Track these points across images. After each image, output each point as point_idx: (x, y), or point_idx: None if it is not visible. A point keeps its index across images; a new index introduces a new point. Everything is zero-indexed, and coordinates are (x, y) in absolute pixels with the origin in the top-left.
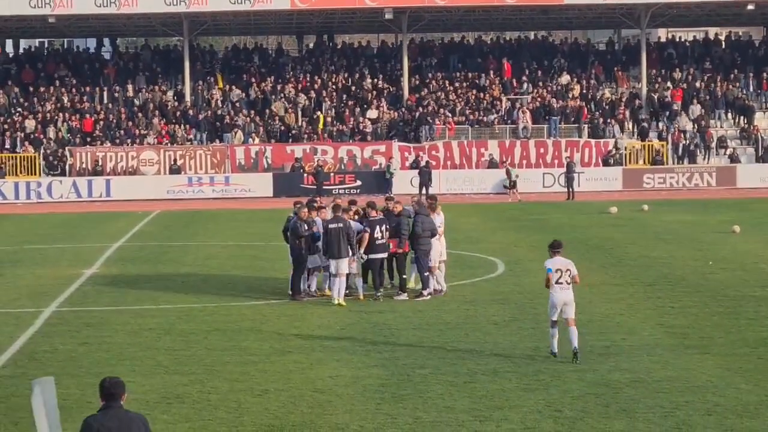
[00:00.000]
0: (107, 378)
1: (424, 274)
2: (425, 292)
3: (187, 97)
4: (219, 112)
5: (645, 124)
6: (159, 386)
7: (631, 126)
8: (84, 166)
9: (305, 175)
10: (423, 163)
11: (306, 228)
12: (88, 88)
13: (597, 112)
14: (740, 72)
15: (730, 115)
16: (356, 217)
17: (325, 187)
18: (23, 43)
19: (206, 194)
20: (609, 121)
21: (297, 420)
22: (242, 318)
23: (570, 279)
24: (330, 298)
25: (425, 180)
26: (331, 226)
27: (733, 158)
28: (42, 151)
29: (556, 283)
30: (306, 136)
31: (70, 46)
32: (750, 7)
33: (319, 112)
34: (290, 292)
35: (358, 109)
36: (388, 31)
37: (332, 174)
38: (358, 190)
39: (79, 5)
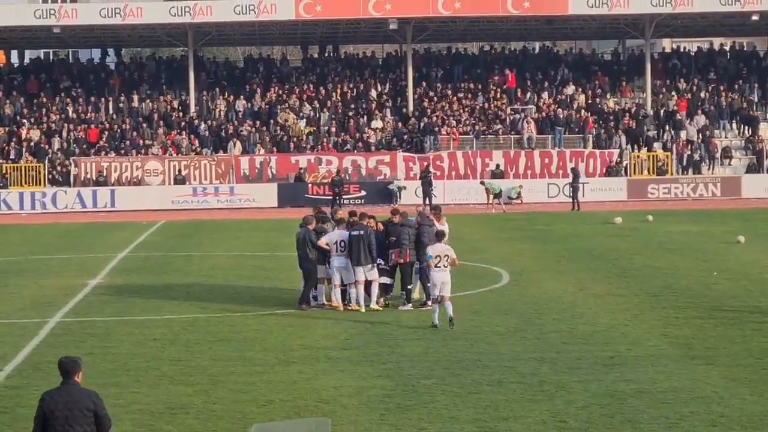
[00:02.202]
0: (64, 357)
1: (428, 284)
2: (429, 302)
3: (192, 108)
4: (223, 122)
5: (650, 134)
6: (164, 396)
7: (634, 136)
8: (89, 176)
9: (309, 185)
10: (424, 172)
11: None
12: (93, 99)
13: (601, 122)
14: (745, 82)
15: (734, 125)
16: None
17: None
18: (28, 54)
19: (211, 204)
20: (615, 131)
21: None
22: (247, 328)
23: (448, 262)
24: (335, 308)
25: (427, 189)
26: (353, 233)
27: (751, 167)
28: (47, 161)
29: (436, 266)
30: (310, 146)
31: (75, 57)
32: (754, 17)
33: (301, 121)
34: (317, 301)
35: (362, 120)
36: (392, 41)
37: None
38: (363, 201)
39: (84, 16)
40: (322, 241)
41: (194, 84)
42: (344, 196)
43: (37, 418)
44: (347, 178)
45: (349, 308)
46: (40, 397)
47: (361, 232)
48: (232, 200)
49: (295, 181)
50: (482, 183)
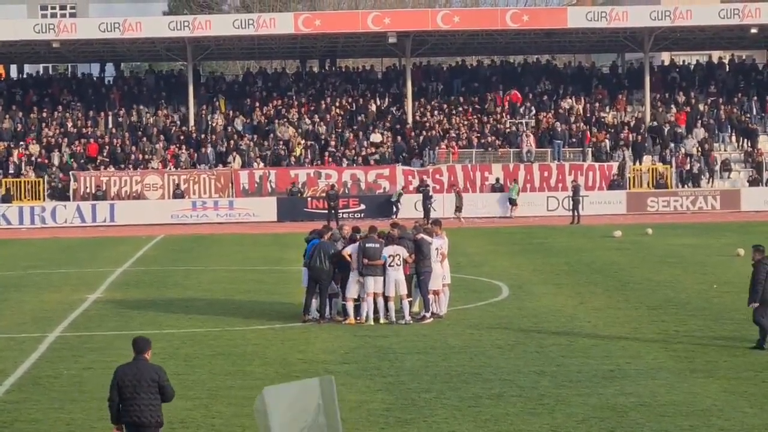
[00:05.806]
0: (137, 337)
1: (427, 297)
2: (427, 315)
3: (191, 122)
4: (222, 136)
5: (649, 147)
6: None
7: (634, 149)
8: (88, 190)
9: (309, 199)
10: (421, 186)
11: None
12: (92, 113)
13: (600, 135)
14: (744, 95)
15: (734, 138)
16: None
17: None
18: (27, 68)
19: (210, 219)
20: (621, 144)
21: None
22: (246, 342)
23: (400, 261)
24: (341, 323)
25: (426, 204)
26: (368, 245)
27: (754, 181)
28: (46, 176)
29: (389, 265)
30: (309, 160)
31: (74, 71)
32: (753, 30)
33: (297, 137)
34: (317, 315)
35: (361, 133)
36: (391, 55)
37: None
38: (362, 215)
39: (83, 30)
40: (346, 251)
41: (193, 98)
42: (343, 210)
43: (113, 387)
44: (346, 192)
45: (372, 322)
46: (114, 370)
47: (376, 245)
48: (231, 214)
49: (289, 195)
50: (454, 189)
